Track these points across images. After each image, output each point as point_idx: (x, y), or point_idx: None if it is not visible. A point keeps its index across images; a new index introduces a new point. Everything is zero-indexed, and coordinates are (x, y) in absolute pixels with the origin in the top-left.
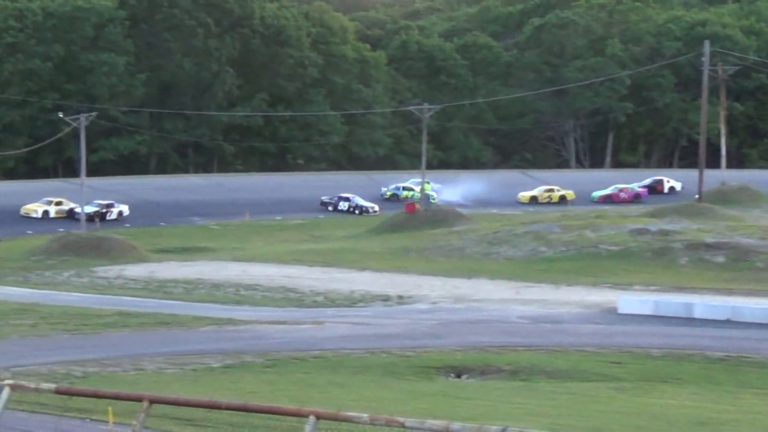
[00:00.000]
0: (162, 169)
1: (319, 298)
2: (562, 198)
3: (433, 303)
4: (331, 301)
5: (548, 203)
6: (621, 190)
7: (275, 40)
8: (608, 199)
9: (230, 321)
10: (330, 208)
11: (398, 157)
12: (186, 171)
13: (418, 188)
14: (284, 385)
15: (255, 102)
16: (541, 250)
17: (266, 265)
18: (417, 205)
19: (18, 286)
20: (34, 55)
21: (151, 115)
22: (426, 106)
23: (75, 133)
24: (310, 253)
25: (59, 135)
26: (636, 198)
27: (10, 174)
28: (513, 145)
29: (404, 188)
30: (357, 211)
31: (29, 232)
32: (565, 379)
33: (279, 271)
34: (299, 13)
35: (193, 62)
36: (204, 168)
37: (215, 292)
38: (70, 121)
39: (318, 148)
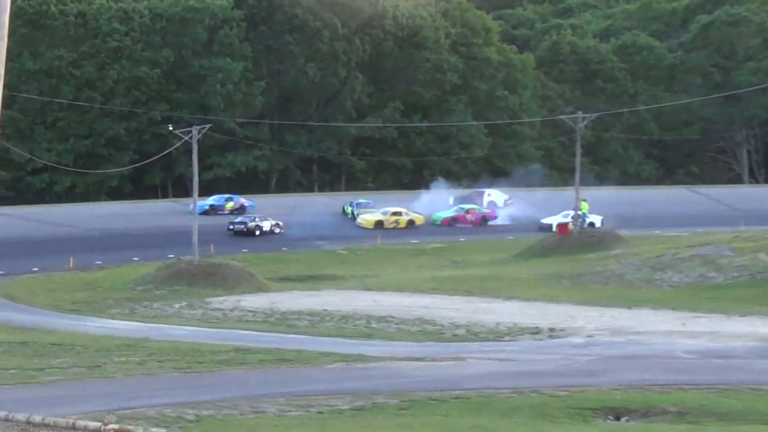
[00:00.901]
0: (283, 186)
1: (461, 332)
2: (411, 222)
3: (589, 336)
4: (474, 334)
5: (395, 228)
6: (467, 211)
7: (410, 41)
8: (454, 222)
9: (360, 357)
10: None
11: (548, 171)
12: (310, 189)
13: (482, 201)
14: (421, 430)
15: (387, 111)
16: (711, 275)
17: (400, 295)
18: (570, 226)
19: (123, 319)
20: (141, 62)
21: (271, 127)
22: (580, 114)
23: (186, 148)
24: (449, 280)
25: (169, 150)
26: (483, 221)
27: (115, 194)
28: (678, 158)
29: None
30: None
31: (135, 258)
32: (739, 421)
33: (415, 300)
34: (437, 12)
35: (318, 67)
36: (330, 186)
37: (343, 324)
38: (180, 135)
39: (458, 163)
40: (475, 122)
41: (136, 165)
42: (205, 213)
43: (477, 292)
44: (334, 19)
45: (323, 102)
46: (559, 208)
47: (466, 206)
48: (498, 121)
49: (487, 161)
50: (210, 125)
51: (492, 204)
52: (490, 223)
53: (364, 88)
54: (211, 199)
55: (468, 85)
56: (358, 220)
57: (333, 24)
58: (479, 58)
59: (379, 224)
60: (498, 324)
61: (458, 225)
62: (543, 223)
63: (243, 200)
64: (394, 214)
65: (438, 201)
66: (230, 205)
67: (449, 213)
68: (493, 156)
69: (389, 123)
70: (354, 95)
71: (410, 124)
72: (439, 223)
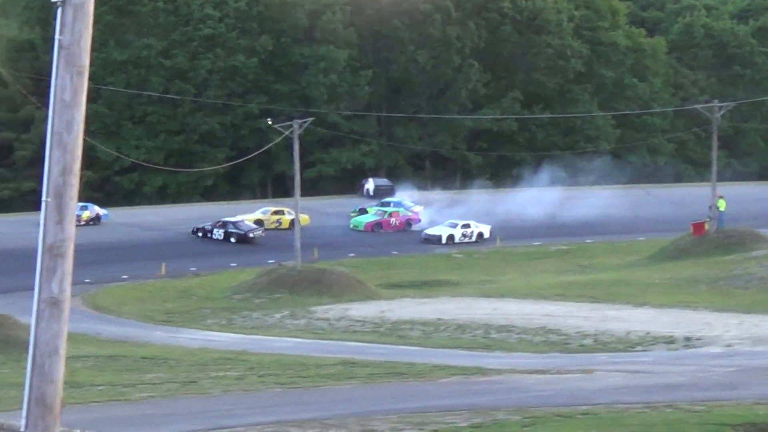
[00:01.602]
0: (393, 183)
1: (588, 341)
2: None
3: (728, 346)
4: (603, 344)
5: (277, 229)
6: (390, 214)
7: (530, 26)
8: (377, 227)
9: (479, 370)
10: None
11: (682, 166)
12: (422, 187)
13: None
14: None
15: (506, 102)
16: None
17: (522, 302)
18: (706, 226)
19: (221, 330)
20: (237, 50)
21: (378, 120)
22: (716, 103)
23: (286, 144)
24: (575, 285)
25: (267, 146)
26: (407, 225)
27: (210, 194)
28: None
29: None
30: None
31: (233, 264)
32: None
33: (538, 308)
34: None
35: (430, 55)
36: (444, 183)
37: (460, 335)
38: (280, 129)
39: (584, 157)
40: (601, 113)
41: (233, 163)
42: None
43: (605, 298)
44: (446, 2)
45: (435, 92)
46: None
47: (389, 209)
48: (626, 112)
49: (615, 155)
50: (312, 119)
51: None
52: (414, 227)
53: (480, 76)
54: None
55: (593, 72)
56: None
57: (445, 7)
58: (605, 43)
59: (258, 223)
60: (628, 333)
61: (381, 231)
62: (429, 235)
63: (98, 209)
64: (276, 213)
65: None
66: (86, 215)
67: (372, 217)
68: (621, 149)
69: (508, 114)
70: (469, 85)
71: (531, 116)
72: (361, 228)
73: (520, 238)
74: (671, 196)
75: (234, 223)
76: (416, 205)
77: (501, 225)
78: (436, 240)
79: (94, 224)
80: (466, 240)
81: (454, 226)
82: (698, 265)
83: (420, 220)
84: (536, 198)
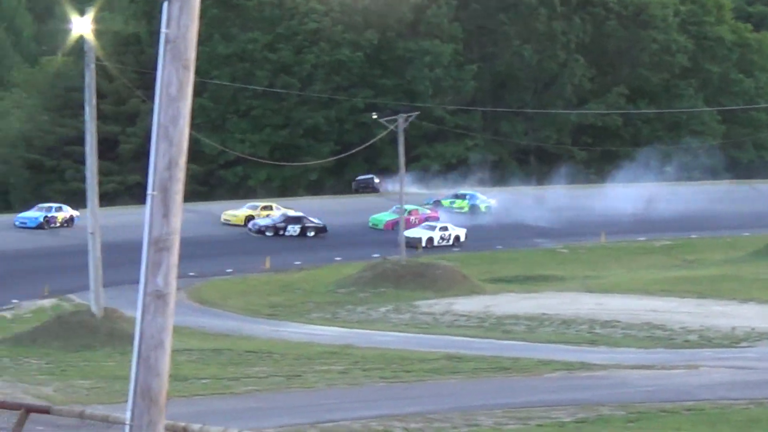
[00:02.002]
0: (497, 179)
1: (693, 337)
2: None
3: None
4: (708, 340)
5: None
6: (410, 213)
7: (635, 20)
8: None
9: (583, 365)
10: None
11: None
12: (527, 182)
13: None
14: None
15: (611, 97)
16: None
17: (626, 297)
18: None
19: (325, 325)
20: (342, 44)
21: (483, 114)
22: None
23: (391, 138)
24: (680, 281)
25: (372, 140)
26: (426, 222)
27: (314, 187)
28: None
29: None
30: None
31: (337, 258)
32: None
33: (642, 303)
34: None
35: (535, 50)
36: (548, 178)
37: (564, 330)
38: (385, 123)
39: (690, 153)
40: (707, 108)
41: (338, 157)
42: (39, 227)
43: (710, 293)
44: None
45: (540, 87)
46: None
47: (409, 207)
48: (732, 107)
49: (721, 151)
50: (417, 113)
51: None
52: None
53: (585, 71)
54: (35, 210)
55: (699, 67)
56: (223, 216)
57: (551, 2)
58: (711, 38)
59: (248, 219)
60: (734, 329)
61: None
62: (408, 237)
63: (72, 211)
64: (265, 208)
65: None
66: (61, 216)
67: (392, 216)
68: (728, 145)
69: (613, 109)
70: (574, 79)
71: (636, 111)
72: (381, 227)
73: (624, 234)
74: None
75: (309, 218)
76: (489, 199)
77: (599, 221)
78: (415, 243)
79: (68, 226)
80: (444, 243)
81: (433, 228)
82: None
83: (438, 218)
84: (638, 193)
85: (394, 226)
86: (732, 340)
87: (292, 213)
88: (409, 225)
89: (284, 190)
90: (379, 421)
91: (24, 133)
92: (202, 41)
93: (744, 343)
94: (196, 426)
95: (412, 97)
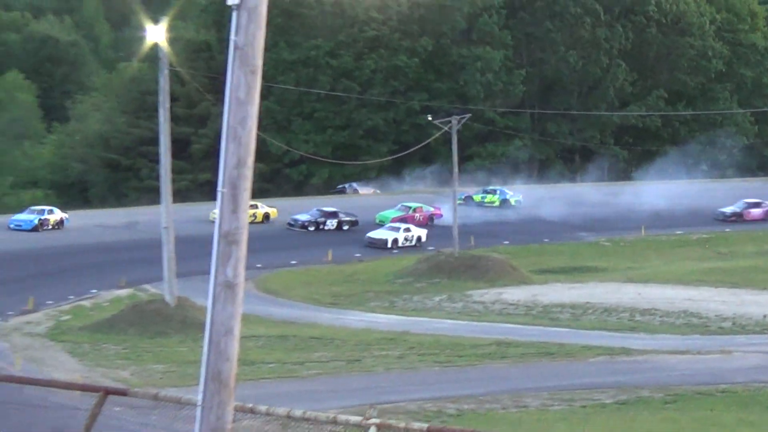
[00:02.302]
0: (544, 177)
1: (727, 324)
2: (266, 216)
3: None
4: (741, 327)
5: (252, 222)
6: (415, 210)
7: (674, 28)
8: (403, 222)
9: (624, 350)
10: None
11: None
12: (572, 179)
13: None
14: (687, 424)
15: (651, 100)
16: None
17: (664, 287)
18: None
19: (383, 313)
20: (399, 51)
21: (532, 116)
22: None
23: (446, 138)
24: (715, 272)
25: (428, 140)
26: (430, 220)
27: (373, 185)
28: None
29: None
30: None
31: (394, 251)
32: None
33: (679, 293)
34: (702, 0)
35: (580, 55)
36: (592, 175)
37: (606, 317)
38: (439, 125)
39: (724, 152)
40: (740, 110)
41: (395, 156)
42: (34, 229)
43: (743, 283)
44: (595, 5)
45: (585, 90)
46: None
47: (413, 205)
48: (765, 109)
49: (754, 150)
50: (469, 115)
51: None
52: (437, 222)
53: (626, 76)
54: (28, 213)
55: (733, 72)
56: (211, 214)
57: (595, 10)
58: (745, 44)
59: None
60: (765, 317)
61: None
62: (372, 239)
63: (62, 213)
64: (250, 206)
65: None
66: (53, 219)
67: (398, 213)
68: (760, 144)
69: (653, 111)
70: (617, 83)
71: (674, 113)
72: (387, 223)
73: (663, 228)
74: None
75: (342, 212)
76: (516, 195)
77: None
78: (381, 244)
79: (59, 228)
80: (408, 244)
81: (397, 230)
82: None
83: (442, 216)
84: (675, 190)
85: (399, 222)
86: (763, 327)
87: (326, 209)
88: (414, 222)
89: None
90: (433, 403)
91: (102, 134)
92: (268, 48)
93: None
94: (263, 407)
95: (464, 100)
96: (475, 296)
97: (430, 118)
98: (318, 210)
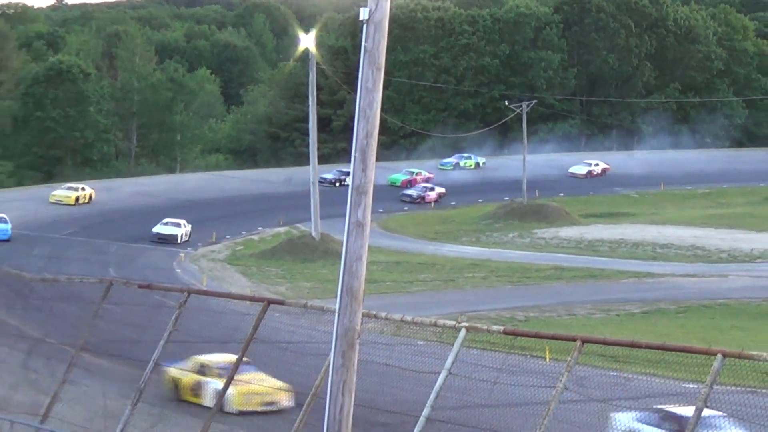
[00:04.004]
0: (591, 147)
1: (724, 255)
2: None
3: None
4: (734, 257)
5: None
6: (416, 174)
7: (686, 37)
8: (409, 184)
9: (648, 274)
10: None
11: None
12: (609, 148)
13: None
14: (694, 329)
15: (669, 90)
16: None
17: (678, 227)
18: None
19: (471, 246)
20: (484, 54)
21: (581, 102)
22: None
23: (518, 118)
24: (715, 217)
25: (504, 119)
26: (427, 182)
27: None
28: None
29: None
30: None
31: (479, 200)
32: None
33: (689, 232)
34: (707, 15)
35: (616, 57)
36: (625, 146)
37: (635, 250)
38: (513, 108)
39: (723, 129)
40: (735, 98)
41: (481, 131)
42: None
43: (736, 225)
44: (629, 21)
45: (620, 83)
46: None
47: (415, 170)
48: (753, 97)
49: (744, 127)
50: (535, 101)
51: None
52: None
53: (650, 72)
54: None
55: (730, 70)
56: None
57: (628, 25)
58: (739, 50)
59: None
60: (752, 250)
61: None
62: (160, 234)
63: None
64: (74, 188)
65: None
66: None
67: (405, 176)
68: (750, 124)
69: (670, 99)
70: (643, 78)
71: (686, 100)
72: (398, 184)
73: (677, 184)
74: None
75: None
76: (482, 159)
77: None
78: (172, 239)
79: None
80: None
81: (179, 225)
82: None
83: (434, 178)
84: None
85: (407, 183)
86: (751, 257)
87: (344, 169)
88: (416, 183)
89: (444, 154)
90: (507, 311)
91: (267, 114)
92: (388, 51)
93: (759, 260)
94: (383, 314)
95: (531, 90)
96: (539, 234)
97: (506, 103)
98: (338, 171)
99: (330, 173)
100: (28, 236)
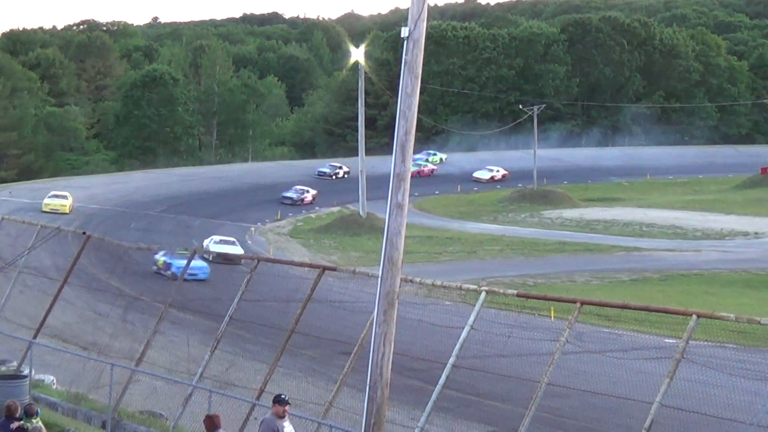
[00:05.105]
0: (589, 143)
1: (698, 233)
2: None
3: None
4: (707, 235)
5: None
6: (424, 166)
7: (669, 54)
8: (418, 174)
9: (636, 249)
10: None
11: (756, 135)
12: (605, 144)
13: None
14: (673, 294)
15: (655, 98)
16: None
17: (660, 210)
18: None
19: (489, 223)
20: (503, 66)
21: (582, 107)
22: None
23: (530, 119)
24: (692, 202)
25: (519, 120)
26: (432, 172)
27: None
28: None
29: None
30: None
31: (498, 186)
32: None
33: (669, 214)
34: (687, 35)
35: (612, 70)
36: (618, 142)
37: (625, 228)
38: (526, 111)
39: (699, 129)
40: (709, 104)
41: (500, 130)
42: None
43: (709, 209)
44: (622, 40)
45: (614, 91)
46: None
47: (422, 162)
48: (723, 103)
49: (716, 128)
50: (544, 105)
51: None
52: (435, 174)
53: (640, 82)
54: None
55: (706, 81)
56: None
57: (622, 43)
58: (713, 64)
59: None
60: (722, 229)
61: (420, 177)
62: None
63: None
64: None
65: (664, 154)
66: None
67: (415, 167)
68: (721, 125)
69: (656, 104)
70: (634, 87)
71: (669, 105)
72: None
73: (660, 174)
74: (748, 151)
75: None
76: (445, 155)
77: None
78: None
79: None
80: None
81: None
82: (765, 191)
83: (436, 169)
84: (669, 153)
85: (416, 174)
86: (721, 235)
87: (336, 164)
88: (423, 174)
89: (470, 149)
90: (519, 278)
91: (323, 114)
92: (424, 63)
93: (727, 237)
94: (417, 279)
95: (541, 96)
96: (545, 214)
97: (521, 107)
98: (331, 165)
99: (325, 167)
100: (125, 212)
